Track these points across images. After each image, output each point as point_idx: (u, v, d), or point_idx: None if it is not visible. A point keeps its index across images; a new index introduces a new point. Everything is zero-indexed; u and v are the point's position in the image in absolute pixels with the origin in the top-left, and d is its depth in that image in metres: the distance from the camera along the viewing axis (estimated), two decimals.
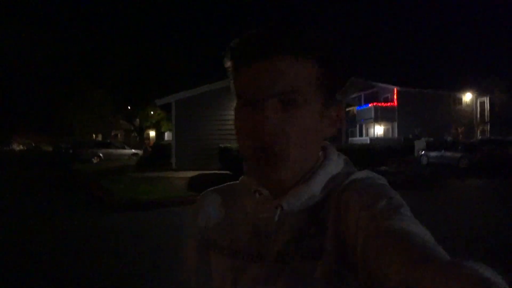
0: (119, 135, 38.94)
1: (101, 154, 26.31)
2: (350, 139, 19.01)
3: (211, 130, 15.80)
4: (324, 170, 0.68)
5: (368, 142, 28.39)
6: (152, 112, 31.91)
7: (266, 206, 0.68)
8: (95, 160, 25.51)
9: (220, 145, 13.64)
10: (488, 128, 33.71)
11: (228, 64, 0.66)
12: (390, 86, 33.84)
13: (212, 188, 0.82)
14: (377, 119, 33.36)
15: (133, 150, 27.92)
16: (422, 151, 20.99)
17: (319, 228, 0.63)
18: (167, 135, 34.17)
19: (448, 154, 19.07)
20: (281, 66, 0.60)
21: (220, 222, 0.75)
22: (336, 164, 0.70)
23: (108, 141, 31.93)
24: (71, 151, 27.36)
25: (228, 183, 0.82)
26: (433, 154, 20.06)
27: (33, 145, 41.26)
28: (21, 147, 44.72)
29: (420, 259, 0.43)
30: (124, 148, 29.12)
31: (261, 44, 0.61)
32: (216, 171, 13.60)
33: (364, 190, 0.61)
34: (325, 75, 0.64)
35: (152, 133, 41.89)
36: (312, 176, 0.67)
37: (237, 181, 0.78)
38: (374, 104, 33.57)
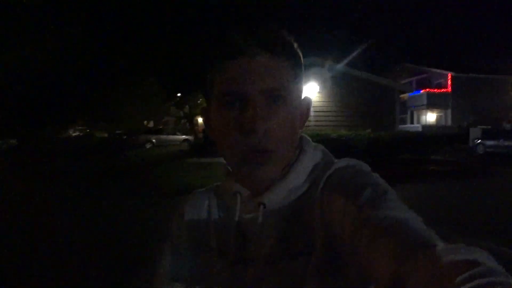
0: (169, 121, 40.21)
1: (153, 140, 27.38)
2: (400, 126, 18.50)
3: None
4: (301, 162, 0.68)
5: (420, 129, 27.42)
6: (200, 100, 32.57)
7: (248, 206, 0.67)
8: (148, 146, 26.56)
9: None
10: None
11: (210, 58, 0.65)
12: (444, 72, 32.26)
13: (195, 191, 0.81)
14: (430, 106, 32.01)
15: (184, 136, 28.70)
16: (477, 140, 20.11)
17: (305, 225, 0.62)
18: None
19: (507, 143, 18.18)
20: (268, 64, 0.61)
21: (207, 223, 0.74)
22: (313, 155, 0.70)
23: (160, 127, 33.06)
24: (125, 137, 28.64)
25: (216, 183, 0.80)
26: (490, 143, 19.15)
27: (88, 131, 43.24)
28: (77, 133, 46.94)
29: (409, 249, 0.43)
30: (175, 134, 30.03)
31: (247, 41, 0.61)
32: None
33: (347, 180, 0.60)
34: (295, 71, 0.65)
35: (200, 120, 42.74)
36: (290, 170, 0.67)
37: (217, 184, 0.79)
38: (427, 90, 32.24)
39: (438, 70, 33.00)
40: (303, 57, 0.70)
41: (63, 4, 15.62)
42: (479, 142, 19.81)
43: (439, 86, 33.00)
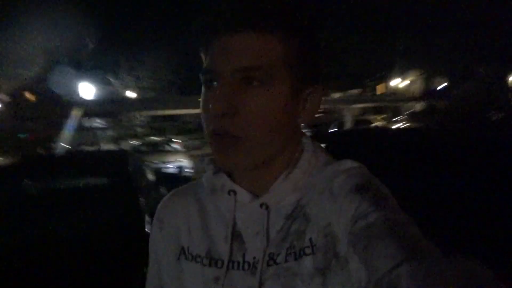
0: None
1: None
2: None
3: None
4: (303, 162, 0.64)
5: None
6: None
7: (245, 206, 0.63)
8: None
9: None
10: None
11: (197, 32, 0.63)
12: None
13: (174, 191, 0.74)
14: None
15: None
16: None
17: (307, 224, 0.60)
18: None
19: None
20: (245, 42, 0.56)
21: (191, 227, 0.67)
22: (315, 155, 0.66)
23: None
24: None
25: (191, 182, 0.76)
26: None
27: None
28: None
29: (407, 253, 0.43)
30: None
31: (227, 18, 0.57)
32: None
33: (349, 182, 0.58)
34: (291, 52, 0.58)
35: None
36: (293, 170, 0.63)
37: (199, 180, 0.71)
38: None
39: None
40: None
41: None
42: None
43: None
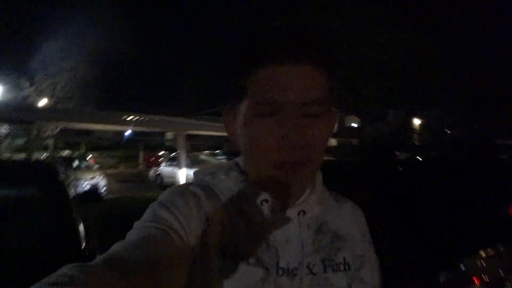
0: None
1: None
2: None
3: None
4: (320, 180, 0.71)
5: None
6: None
7: (277, 215, 0.64)
8: None
9: None
10: None
11: (249, 59, 0.60)
12: None
13: (193, 184, 0.69)
14: None
15: None
16: None
17: (341, 244, 0.68)
18: None
19: None
20: (309, 75, 0.58)
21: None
22: (321, 175, 0.73)
23: None
24: None
25: (209, 180, 0.70)
26: None
27: None
28: None
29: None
30: None
31: (292, 46, 0.57)
32: None
33: (363, 216, 0.74)
34: (332, 84, 0.62)
35: None
36: (315, 185, 0.69)
37: (224, 180, 0.68)
38: None
39: None
40: None
41: None
42: None
43: None
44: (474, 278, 2.24)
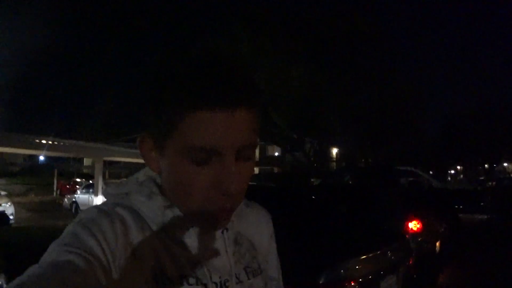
0: None
1: None
2: None
3: None
4: None
5: None
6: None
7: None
8: None
9: None
10: None
11: (175, 106, 0.55)
12: None
13: (115, 208, 0.63)
14: None
15: None
16: None
17: (256, 251, 0.76)
18: None
19: None
20: (243, 118, 0.56)
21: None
22: None
23: None
24: None
25: (122, 202, 0.66)
26: None
27: None
28: None
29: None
30: None
31: (226, 92, 0.54)
32: None
33: (270, 227, 0.83)
34: (259, 125, 0.62)
35: None
36: None
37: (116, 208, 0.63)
38: None
39: None
40: None
41: None
42: None
43: None
44: (351, 280, 2.56)
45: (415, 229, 4.95)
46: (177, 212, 0.63)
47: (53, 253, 0.52)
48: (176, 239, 0.64)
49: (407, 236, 4.74)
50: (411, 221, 4.98)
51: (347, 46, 19.48)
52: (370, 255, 2.88)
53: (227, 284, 0.66)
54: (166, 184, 0.65)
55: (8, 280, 2.52)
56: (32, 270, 0.48)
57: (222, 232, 0.68)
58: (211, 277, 0.64)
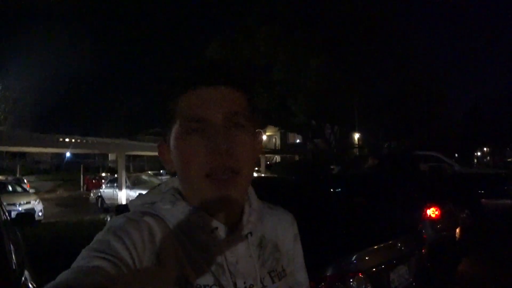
0: None
1: None
2: None
3: None
4: (253, 194, 0.77)
5: None
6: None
7: (228, 238, 0.68)
8: None
9: None
10: None
11: (179, 83, 0.68)
12: None
13: (137, 214, 0.68)
14: None
15: None
16: None
17: (280, 254, 0.77)
18: None
19: None
20: (227, 93, 0.66)
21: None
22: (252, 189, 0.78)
23: None
24: None
25: (156, 210, 0.70)
26: None
27: None
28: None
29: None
30: None
31: (209, 73, 0.66)
32: None
33: (293, 230, 0.83)
34: (249, 104, 0.70)
35: None
36: (251, 202, 0.75)
37: (168, 209, 0.69)
38: None
39: None
40: None
41: None
42: None
43: None
44: (358, 272, 2.49)
45: (433, 216, 4.82)
46: (201, 213, 0.67)
47: (83, 259, 0.56)
48: (199, 244, 0.67)
49: (426, 222, 4.65)
50: (429, 208, 4.84)
51: (365, 37, 19.20)
52: (379, 246, 2.85)
53: None
54: (175, 169, 0.69)
55: (32, 277, 2.59)
56: (63, 275, 0.51)
57: (246, 236, 0.70)
58: (235, 283, 0.66)
